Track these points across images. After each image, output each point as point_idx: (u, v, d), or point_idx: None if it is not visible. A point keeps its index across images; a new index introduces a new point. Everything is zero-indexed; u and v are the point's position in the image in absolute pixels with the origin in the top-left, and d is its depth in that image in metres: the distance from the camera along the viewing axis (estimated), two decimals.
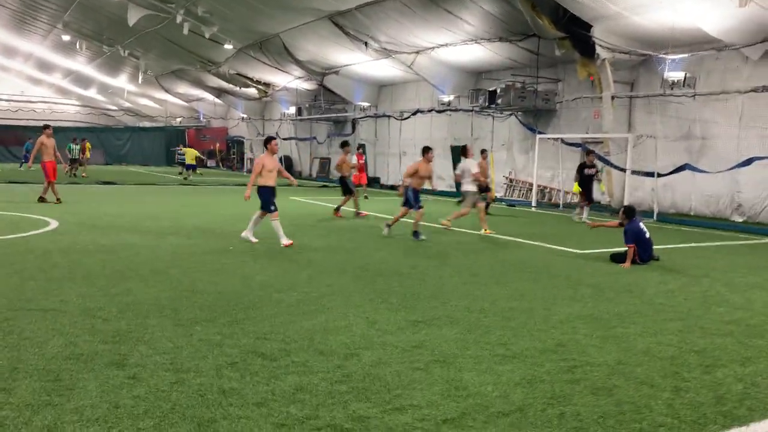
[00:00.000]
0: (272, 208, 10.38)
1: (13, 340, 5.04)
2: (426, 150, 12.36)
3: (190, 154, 32.91)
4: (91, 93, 56.60)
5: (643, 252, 9.76)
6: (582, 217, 16.28)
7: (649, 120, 18.97)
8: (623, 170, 18.41)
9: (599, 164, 18.72)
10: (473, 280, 8.16)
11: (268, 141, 10.58)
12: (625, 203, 17.80)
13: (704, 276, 8.88)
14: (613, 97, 18.82)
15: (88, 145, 33.06)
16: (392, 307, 6.50)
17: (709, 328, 6.07)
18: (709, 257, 10.84)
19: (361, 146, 24.94)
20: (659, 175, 17.54)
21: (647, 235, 9.85)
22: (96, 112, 61.33)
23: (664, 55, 17.54)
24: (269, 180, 10.39)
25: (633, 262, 9.65)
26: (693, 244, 12.60)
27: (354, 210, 16.43)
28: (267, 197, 10.43)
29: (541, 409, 3.99)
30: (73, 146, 30.63)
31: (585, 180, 16.30)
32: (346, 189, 16.50)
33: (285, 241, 10.21)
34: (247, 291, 7.08)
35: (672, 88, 17.54)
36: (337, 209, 16.12)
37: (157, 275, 7.81)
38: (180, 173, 35.29)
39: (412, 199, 12.10)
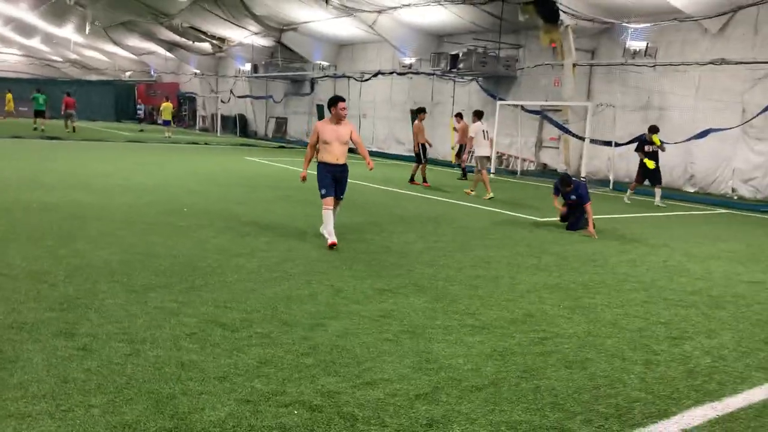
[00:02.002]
0: (323, 191, 7.68)
1: None
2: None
3: (167, 109, 31.68)
4: (34, 43, 53.75)
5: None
6: (656, 200, 14.27)
7: (609, 89, 19.05)
8: (582, 139, 18.50)
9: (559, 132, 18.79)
10: (437, 246, 8.02)
11: (332, 102, 7.75)
12: (582, 173, 18.01)
13: (663, 245, 8.97)
14: (574, 65, 18.82)
15: (9, 96, 31.48)
16: (357, 275, 6.30)
17: (673, 299, 6.09)
18: (666, 227, 10.99)
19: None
20: (617, 145, 17.69)
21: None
22: (39, 63, 58.41)
23: (626, 24, 17.56)
24: (328, 155, 7.71)
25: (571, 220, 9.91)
26: (649, 214, 12.77)
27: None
28: (320, 177, 7.76)
29: (515, 384, 3.89)
30: (39, 97, 29.07)
31: (649, 158, 14.00)
32: (421, 157, 15.90)
33: (330, 239, 7.59)
34: (204, 255, 6.78)
35: (633, 58, 17.60)
36: (412, 179, 15.88)
37: (108, 237, 7.41)
38: (140, 131, 34.11)
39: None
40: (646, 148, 13.97)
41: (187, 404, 3.36)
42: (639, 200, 15.18)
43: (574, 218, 9.96)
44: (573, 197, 9.89)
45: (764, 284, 6.92)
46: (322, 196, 7.66)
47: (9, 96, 31.90)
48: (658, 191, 14.25)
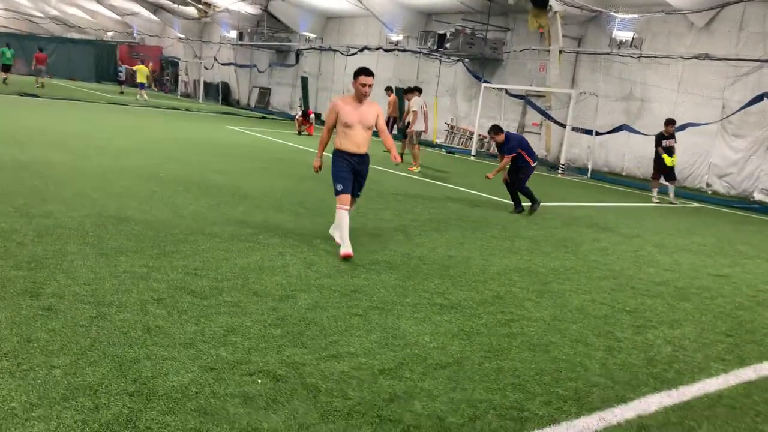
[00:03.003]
0: (338, 187, 6.20)
1: None
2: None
3: (142, 72, 31.43)
4: None
5: (531, 154, 10.07)
6: (670, 196, 13.88)
7: (593, 78, 19.11)
8: (563, 126, 18.58)
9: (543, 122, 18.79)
10: (413, 225, 8.05)
11: (354, 76, 6.21)
12: (562, 160, 18.13)
13: (636, 236, 9.09)
14: (560, 52, 18.81)
15: None
16: (331, 250, 6.31)
17: (640, 289, 6.19)
18: (640, 218, 11.13)
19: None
20: (597, 134, 17.82)
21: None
22: (19, 17, 56.91)
23: (614, 14, 17.58)
24: (347, 142, 6.22)
25: (525, 168, 9.96)
26: (625, 204, 12.92)
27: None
28: (336, 168, 6.25)
29: (478, 363, 3.94)
30: (5, 51, 29.21)
31: (666, 153, 13.41)
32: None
33: (344, 248, 6.06)
34: (178, 222, 6.73)
35: (619, 48, 17.66)
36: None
37: (81, 198, 7.31)
38: (121, 93, 33.62)
39: None
40: (664, 142, 13.42)
41: (151, 369, 3.36)
42: (616, 190, 15.35)
43: (515, 177, 10.04)
44: (506, 149, 9.93)
45: (729, 278, 7.06)
46: (337, 193, 6.21)
47: None
48: (672, 187, 13.85)
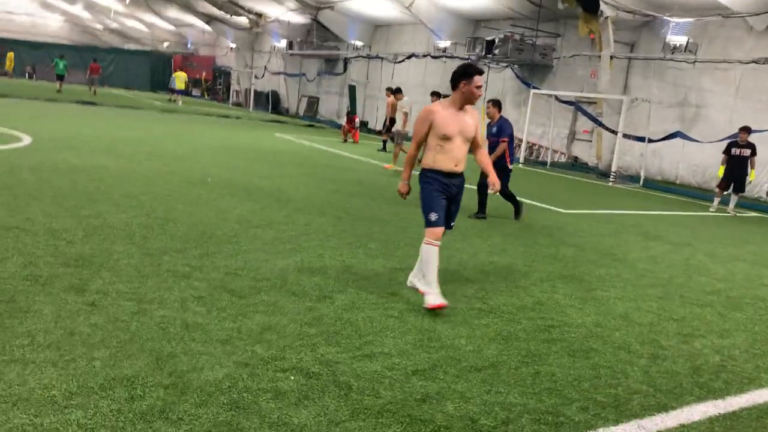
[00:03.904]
0: (432, 217, 4.89)
1: None
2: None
3: (181, 78, 32.48)
4: (77, 9, 54.51)
5: (512, 153, 9.19)
6: (728, 207, 13.07)
7: (646, 84, 18.66)
8: (614, 132, 18.18)
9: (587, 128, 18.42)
10: (455, 231, 7.96)
11: (463, 75, 4.79)
12: (613, 167, 17.73)
13: (687, 245, 8.80)
14: (611, 57, 18.46)
15: (10, 55, 32.81)
16: (370, 253, 6.31)
17: (689, 298, 5.98)
18: (693, 226, 10.77)
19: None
20: (650, 141, 17.37)
21: None
22: (80, 30, 59.22)
23: (668, 18, 17.15)
24: (444, 158, 4.86)
25: (503, 169, 8.70)
26: (677, 213, 12.53)
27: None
28: (427, 193, 4.92)
29: (515, 367, 3.87)
30: (59, 62, 30.79)
31: (733, 162, 12.71)
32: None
33: (433, 296, 4.74)
34: (222, 224, 6.85)
35: (673, 53, 17.19)
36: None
37: (130, 200, 7.52)
38: (169, 100, 34.70)
39: None
40: (733, 150, 12.70)
41: (187, 363, 3.42)
42: (669, 198, 14.92)
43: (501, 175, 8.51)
44: (495, 129, 8.87)
45: None
46: (430, 224, 4.88)
47: (10, 55, 33.40)
48: (735, 198, 12.98)
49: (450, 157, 4.83)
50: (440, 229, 4.89)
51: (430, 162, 4.90)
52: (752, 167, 12.72)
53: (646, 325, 4.98)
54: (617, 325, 4.92)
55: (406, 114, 15.02)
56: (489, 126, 9.11)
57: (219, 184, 9.53)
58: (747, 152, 12.64)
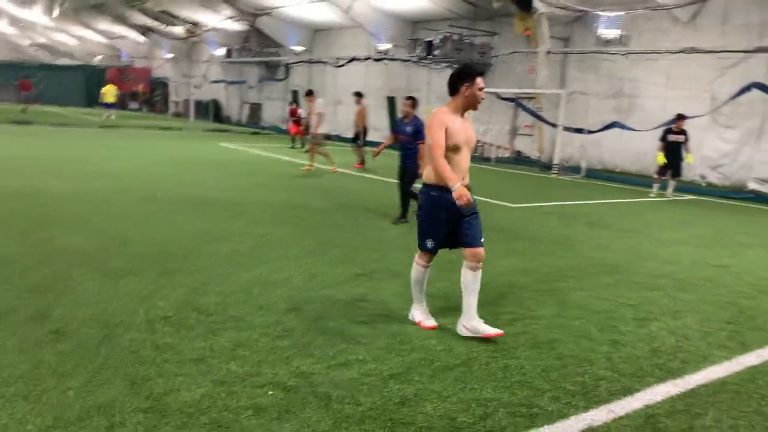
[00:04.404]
0: (428, 244, 4.56)
1: None
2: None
3: (109, 92, 31.58)
4: (1, 26, 52.45)
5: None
6: (667, 192, 13.61)
7: (582, 77, 19.24)
8: (555, 126, 18.69)
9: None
10: (412, 232, 8.07)
11: (463, 77, 4.43)
12: (555, 160, 18.22)
13: (633, 231, 9.16)
14: (548, 53, 18.96)
15: None
16: (333, 260, 6.35)
17: (641, 282, 6.24)
18: (637, 213, 11.20)
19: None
20: (589, 132, 17.93)
21: None
22: (5, 47, 57.01)
23: (599, 12, 17.73)
24: (450, 173, 4.30)
25: (413, 174, 8.27)
26: (621, 200, 13.00)
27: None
28: (427, 216, 4.56)
29: (485, 363, 3.99)
30: None
31: (669, 148, 13.28)
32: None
33: (425, 320, 4.66)
34: (179, 240, 6.77)
35: (605, 46, 17.81)
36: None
37: (81, 222, 7.35)
38: (111, 116, 33.80)
39: None
40: (669, 137, 13.27)
41: (163, 385, 3.40)
42: (612, 187, 15.44)
43: (407, 176, 8.46)
44: (409, 129, 8.38)
45: (729, 268, 7.12)
46: (423, 248, 4.58)
47: None
48: (673, 183, 13.63)
49: (458, 170, 4.35)
50: (428, 257, 4.65)
51: (429, 175, 4.43)
52: (688, 152, 13.38)
53: (604, 313, 5.19)
54: (576, 314, 5.11)
55: (320, 115, 14.74)
56: (401, 123, 8.61)
57: (170, 199, 9.38)
58: (682, 138, 13.29)
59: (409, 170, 8.46)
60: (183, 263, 5.86)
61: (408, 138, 8.44)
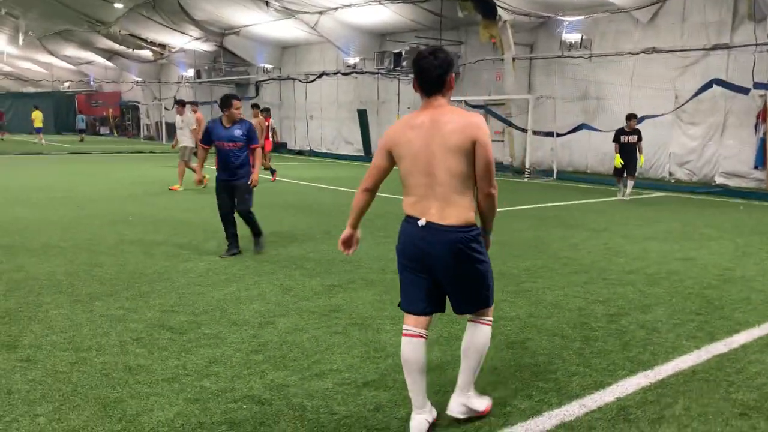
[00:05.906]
0: (404, 305, 3.40)
1: None
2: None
3: (38, 118, 31.91)
4: None
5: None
6: (626, 192, 13.46)
7: (548, 81, 19.53)
8: (524, 131, 18.92)
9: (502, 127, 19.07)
10: (386, 241, 8.13)
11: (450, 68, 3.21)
12: (527, 164, 18.43)
13: (604, 230, 9.29)
14: (514, 59, 19.22)
15: None
16: (307, 273, 6.36)
17: (611, 279, 6.34)
18: (607, 212, 11.37)
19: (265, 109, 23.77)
20: (558, 135, 18.19)
21: None
22: None
23: (561, 17, 18.05)
24: (413, 205, 3.34)
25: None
26: (591, 200, 13.18)
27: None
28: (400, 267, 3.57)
29: (458, 367, 4.01)
30: None
31: (623, 149, 13.02)
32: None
33: (426, 412, 3.21)
34: (150, 262, 6.72)
35: (569, 50, 18.11)
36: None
37: (50, 249, 7.27)
38: (81, 140, 33.61)
39: None
40: (622, 138, 12.97)
41: (136, 407, 3.38)
42: (582, 188, 15.64)
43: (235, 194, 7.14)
44: (238, 132, 7.04)
45: (696, 260, 7.26)
46: (404, 310, 3.40)
47: None
48: (631, 183, 13.34)
49: (414, 202, 3.41)
50: (423, 320, 3.30)
51: (408, 206, 3.41)
52: (640, 152, 13.08)
53: (575, 310, 5.26)
54: (549, 313, 5.18)
55: (194, 131, 14.09)
56: (227, 130, 7.18)
57: (141, 221, 9.32)
58: (635, 138, 12.92)
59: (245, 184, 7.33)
60: (155, 285, 5.82)
61: (237, 144, 7.18)
